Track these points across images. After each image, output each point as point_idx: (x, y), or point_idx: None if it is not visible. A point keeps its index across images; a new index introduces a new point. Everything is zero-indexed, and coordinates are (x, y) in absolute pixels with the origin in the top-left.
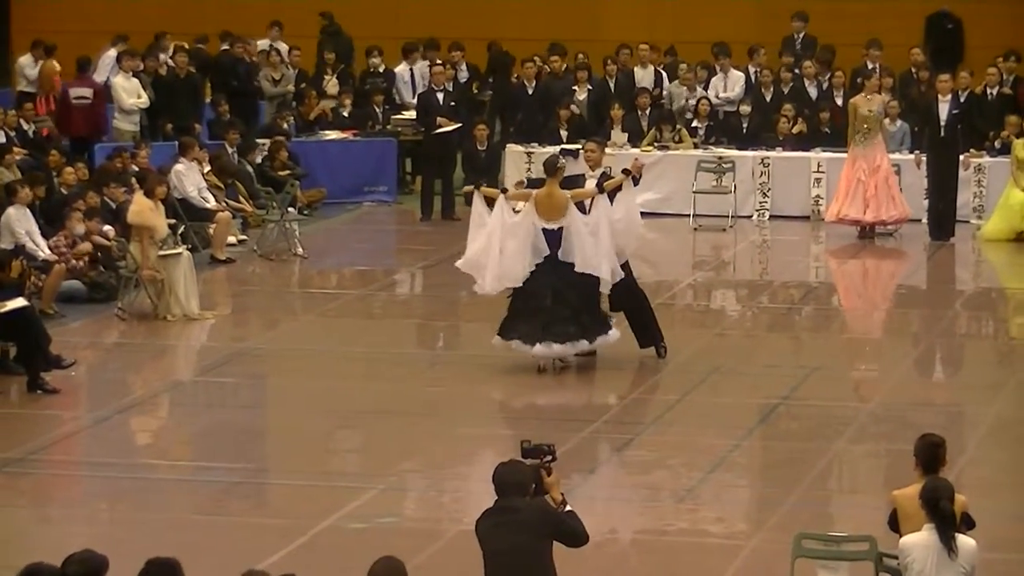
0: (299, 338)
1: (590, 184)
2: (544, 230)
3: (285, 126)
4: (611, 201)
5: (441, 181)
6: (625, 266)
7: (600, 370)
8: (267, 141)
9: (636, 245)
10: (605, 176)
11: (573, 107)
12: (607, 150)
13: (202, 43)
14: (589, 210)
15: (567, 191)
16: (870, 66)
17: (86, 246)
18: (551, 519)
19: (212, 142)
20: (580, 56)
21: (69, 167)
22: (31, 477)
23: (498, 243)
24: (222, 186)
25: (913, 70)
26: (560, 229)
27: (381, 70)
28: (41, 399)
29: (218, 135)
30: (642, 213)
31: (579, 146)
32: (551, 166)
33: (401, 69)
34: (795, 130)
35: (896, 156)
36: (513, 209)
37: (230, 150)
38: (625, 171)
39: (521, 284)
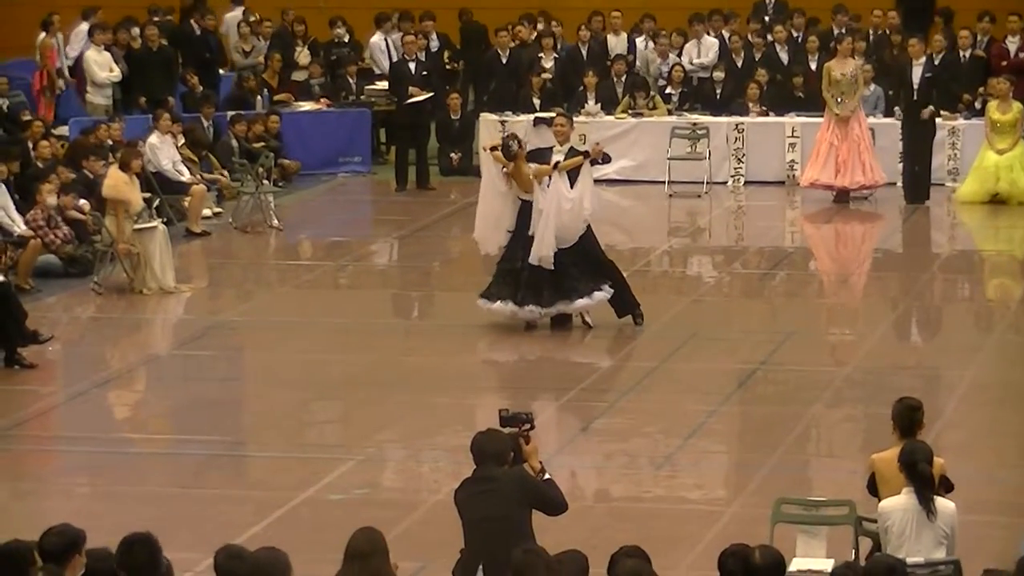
0: (275, 310)
1: (556, 159)
2: (524, 201)
3: (258, 98)
4: (571, 182)
5: (415, 151)
6: (590, 237)
7: (577, 338)
8: (254, 113)
9: (580, 230)
10: (573, 152)
11: (545, 74)
12: (581, 118)
13: (168, 15)
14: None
15: (532, 166)
16: (836, 31)
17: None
18: (530, 488)
19: (187, 115)
20: (544, 24)
21: (45, 141)
22: (8, 452)
23: (489, 202)
24: (196, 159)
25: (887, 32)
26: (531, 201)
27: (346, 40)
28: (18, 374)
29: (192, 108)
30: (616, 180)
31: (553, 114)
32: (508, 151)
33: (376, 39)
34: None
35: (871, 120)
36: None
37: (205, 123)
38: (584, 153)
39: (504, 247)
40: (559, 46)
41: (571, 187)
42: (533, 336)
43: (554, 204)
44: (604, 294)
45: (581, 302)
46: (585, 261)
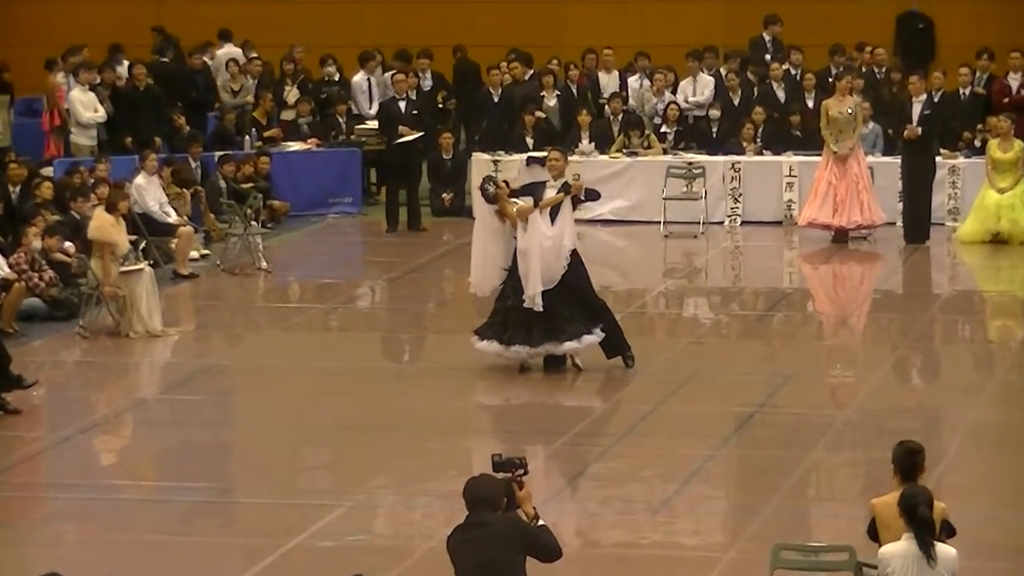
0: (264, 353)
1: (549, 193)
2: (515, 238)
3: (247, 137)
4: (552, 219)
5: (406, 191)
6: (582, 277)
7: (571, 381)
8: (243, 153)
9: (561, 269)
10: (567, 186)
11: (538, 113)
12: (575, 157)
13: (163, 56)
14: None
15: (517, 204)
16: (834, 71)
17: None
18: (523, 534)
19: (179, 155)
20: (547, 62)
21: (48, 182)
22: None
23: (482, 244)
24: (186, 193)
25: (878, 71)
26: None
27: (336, 79)
28: (2, 419)
29: (179, 148)
30: (611, 220)
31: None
32: (486, 196)
33: (359, 78)
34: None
35: (869, 159)
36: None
37: (193, 164)
38: (565, 188)
39: (500, 285)
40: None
41: (552, 224)
42: (527, 379)
43: (536, 243)
44: (594, 338)
45: (569, 345)
46: (576, 302)
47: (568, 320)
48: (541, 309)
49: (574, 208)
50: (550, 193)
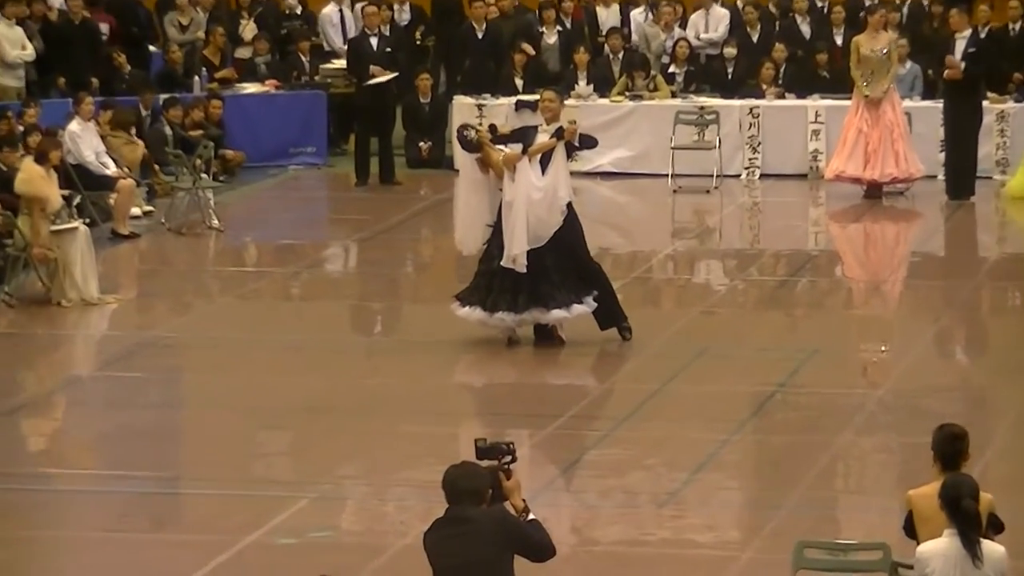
0: (216, 325)
1: (541, 139)
2: (501, 190)
3: (196, 78)
4: (543, 169)
5: (378, 140)
6: (578, 236)
7: (565, 356)
8: (191, 97)
9: (555, 225)
10: (560, 131)
11: (525, 46)
12: (571, 101)
13: None
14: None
15: (503, 151)
16: (866, 4)
17: None
18: (511, 530)
19: (120, 99)
20: None
21: None
22: None
23: (464, 198)
24: (139, 144)
25: (924, 3)
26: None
27: (299, 11)
28: None
29: (119, 90)
30: (612, 173)
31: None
32: (466, 144)
33: (329, 10)
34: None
35: (906, 103)
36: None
37: (144, 113)
38: (558, 133)
39: (483, 245)
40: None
41: (543, 174)
42: (515, 354)
43: (523, 195)
44: (584, 308)
45: (557, 314)
46: (567, 265)
47: (557, 285)
48: (524, 270)
49: (568, 157)
50: (543, 139)
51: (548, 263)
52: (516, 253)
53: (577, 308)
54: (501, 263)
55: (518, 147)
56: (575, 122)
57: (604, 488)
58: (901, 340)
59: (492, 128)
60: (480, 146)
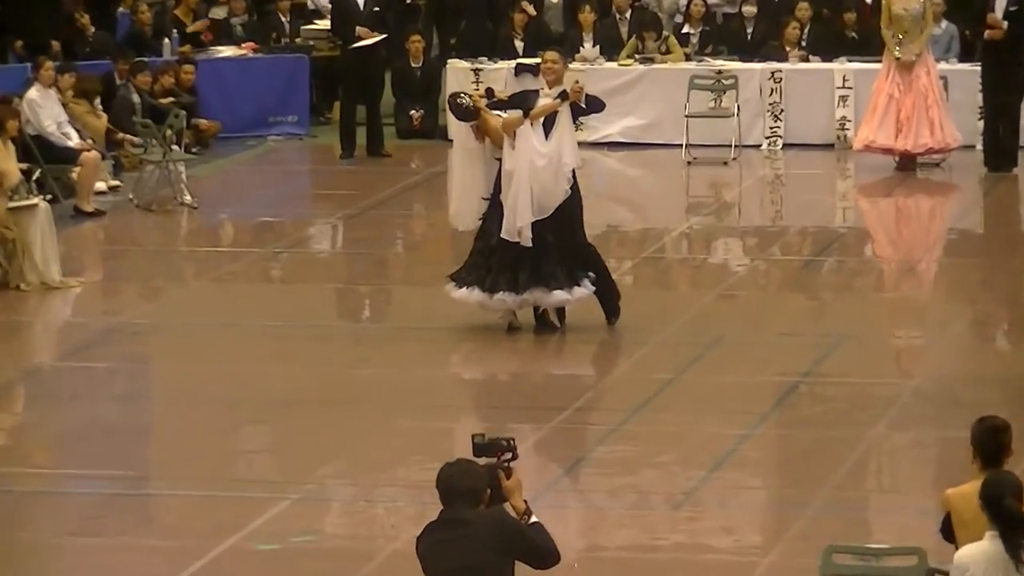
0: (189, 310)
1: (544, 103)
2: (499, 160)
3: (166, 40)
4: (546, 134)
5: (365, 108)
6: (579, 205)
7: (570, 344)
8: (161, 60)
9: (563, 194)
10: (564, 93)
11: (528, 7)
12: (576, 64)
13: None
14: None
15: (501, 116)
16: None
17: None
18: (511, 533)
19: (84, 64)
20: None
21: None
22: None
23: (459, 169)
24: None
25: None
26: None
27: None
28: None
29: (82, 54)
30: (621, 143)
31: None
32: (460, 112)
33: None
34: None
35: (943, 66)
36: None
37: (119, 81)
38: (562, 95)
39: (479, 220)
40: None
41: (546, 139)
42: (515, 342)
43: (526, 162)
44: (584, 291)
45: (560, 295)
46: (568, 242)
47: (558, 263)
48: (529, 243)
49: (575, 121)
50: (544, 103)
51: (549, 239)
52: (521, 225)
53: (578, 291)
54: (502, 235)
55: (518, 113)
56: (579, 82)
57: (613, 488)
58: (937, 324)
59: (489, 92)
60: (476, 112)
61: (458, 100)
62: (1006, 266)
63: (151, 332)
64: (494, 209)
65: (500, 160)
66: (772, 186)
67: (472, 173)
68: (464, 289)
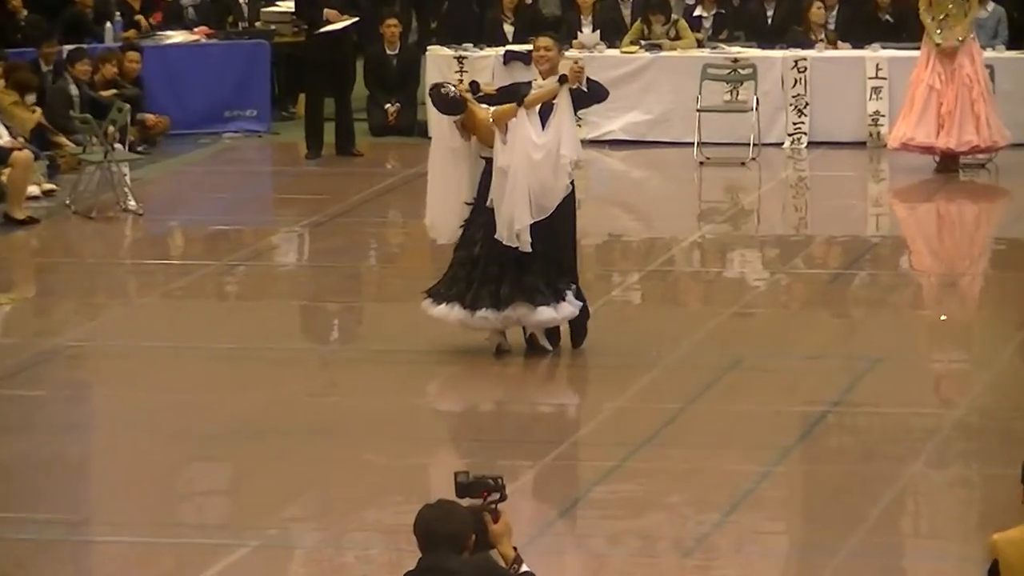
0: (134, 330)
1: (539, 90)
2: (488, 160)
3: (108, 25)
4: (543, 125)
5: (334, 101)
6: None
7: (565, 367)
8: (103, 47)
9: (563, 189)
10: (563, 78)
11: None
12: (574, 52)
13: None
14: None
15: (490, 109)
16: None
17: None
18: None
19: (15, 52)
20: None
21: None
22: None
23: (441, 171)
24: (34, 112)
25: None
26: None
27: None
28: None
29: (14, 42)
30: (624, 141)
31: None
32: (447, 105)
33: None
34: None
35: (989, 54)
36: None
37: (45, 68)
38: (561, 78)
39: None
40: None
41: (543, 130)
42: (503, 367)
43: (522, 157)
44: (571, 307)
45: (546, 313)
46: (555, 247)
47: (540, 275)
48: (528, 248)
49: (576, 110)
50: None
51: (538, 247)
52: (519, 228)
53: (564, 307)
54: (495, 237)
55: (511, 104)
56: (579, 62)
57: (615, 532)
58: (983, 347)
59: (474, 86)
60: (462, 104)
61: (442, 90)
62: None
63: (90, 355)
64: (478, 214)
65: (487, 159)
66: (795, 190)
67: (456, 176)
68: (443, 306)
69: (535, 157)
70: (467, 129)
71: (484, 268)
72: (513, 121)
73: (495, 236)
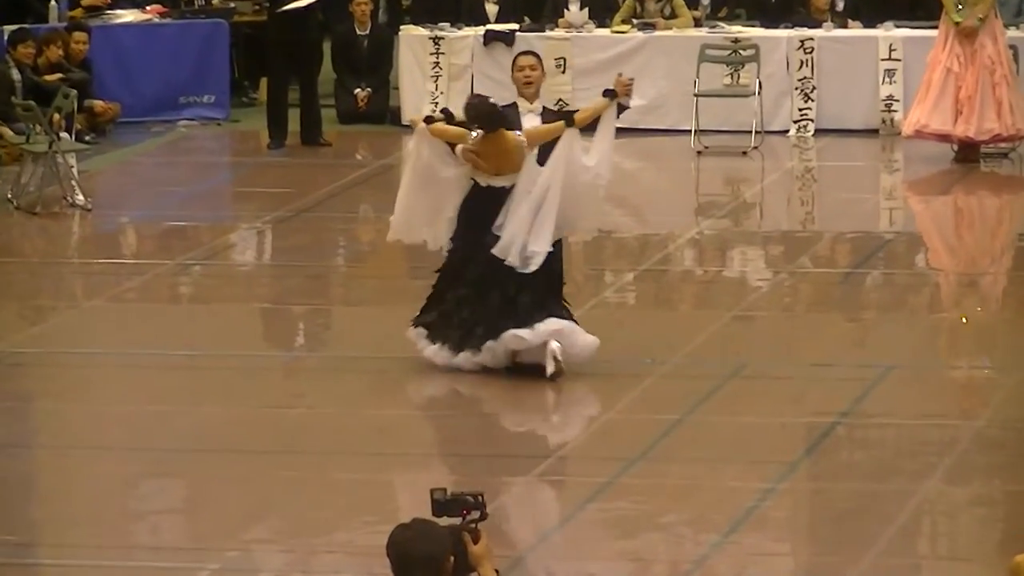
0: (81, 336)
1: (531, 123)
2: (491, 188)
3: (52, 4)
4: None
5: (299, 86)
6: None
7: (550, 377)
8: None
9: (596, 218)
10: (551, 114)
11: None
12: (559, 31)
13: None
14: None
15: (522, 131)
16: None
17: None
18: None
19: None
20: None
21: None
22: None
23: (418, 192)
24: None
25: None
26: (510, 188)
27: None
28: None
29: None
30: (617, 129)
31: (516, 27)
32: (487, 117)
33: None
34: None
35: (1012, 33)
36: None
37: None
38: (608, 92)
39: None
40: None
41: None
42: (484, 376)
43: (562, 177)
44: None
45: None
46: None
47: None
48: (532, 269)
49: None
50: (531, 122)
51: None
52: (536, 251)
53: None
54: (494, 252)
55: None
56: (623, 75)
57: (607, 554)
58: (1005, 352)
59: (446, 113)
60: (505, 122)
61: (491, 100)
62: None
63: (34, 363)
64: (474, 229)
65: (475, 180)
66: (802, 181)
67: (440, 197)
68: (436, 346)
69: (582, 178)
70: (476, 153)
71: (484, 300)
72: (561, 141)
73: (493, 255)
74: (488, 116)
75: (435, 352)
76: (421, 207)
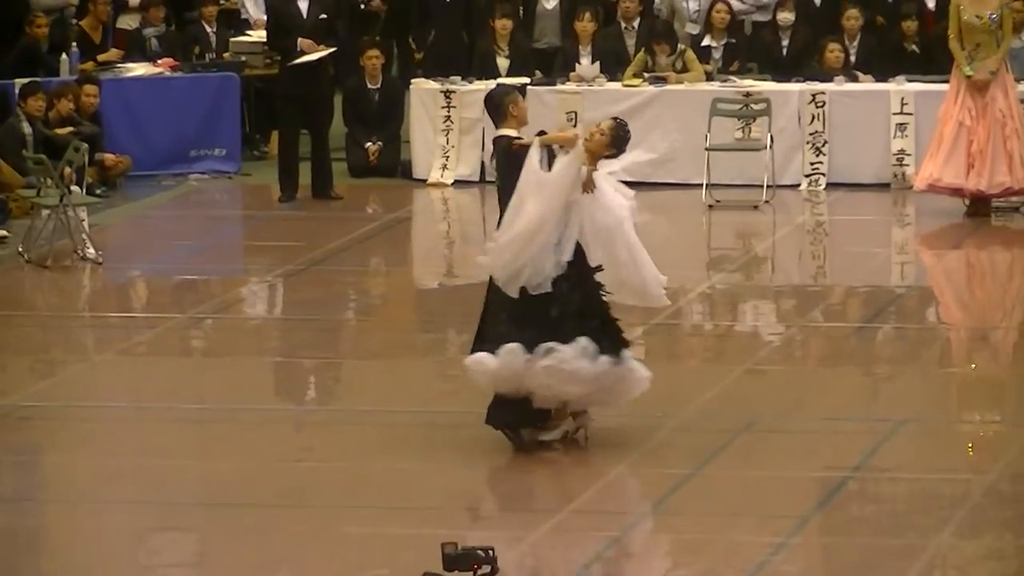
0: (92, 389)
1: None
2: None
3: (64, 56)
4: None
5: (311, 139)
6: None
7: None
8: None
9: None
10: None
11: (504, 21)
12: (571, 85)
13: None
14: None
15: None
16: None
17: None
18: None
19: None
20: None
21: None
22: None
23: (543, 223)
24: None
25: None
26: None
27: None
28: None
29: None
30: (627, 183)
31: (527, 80)
32: (621, 139)
33: None
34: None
35: (1023, 87)
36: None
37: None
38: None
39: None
40: None
41: None
42: (494, 430)
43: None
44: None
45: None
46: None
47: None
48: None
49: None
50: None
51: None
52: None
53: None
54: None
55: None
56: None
57: None
58: (1017, 407)
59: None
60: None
61: (618, 130)
62: None
63: (44, 417)
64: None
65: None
66: (813, 235)
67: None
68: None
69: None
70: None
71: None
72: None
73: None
74: (618, 139)
75: (508, 351)
76: (545, 239)
